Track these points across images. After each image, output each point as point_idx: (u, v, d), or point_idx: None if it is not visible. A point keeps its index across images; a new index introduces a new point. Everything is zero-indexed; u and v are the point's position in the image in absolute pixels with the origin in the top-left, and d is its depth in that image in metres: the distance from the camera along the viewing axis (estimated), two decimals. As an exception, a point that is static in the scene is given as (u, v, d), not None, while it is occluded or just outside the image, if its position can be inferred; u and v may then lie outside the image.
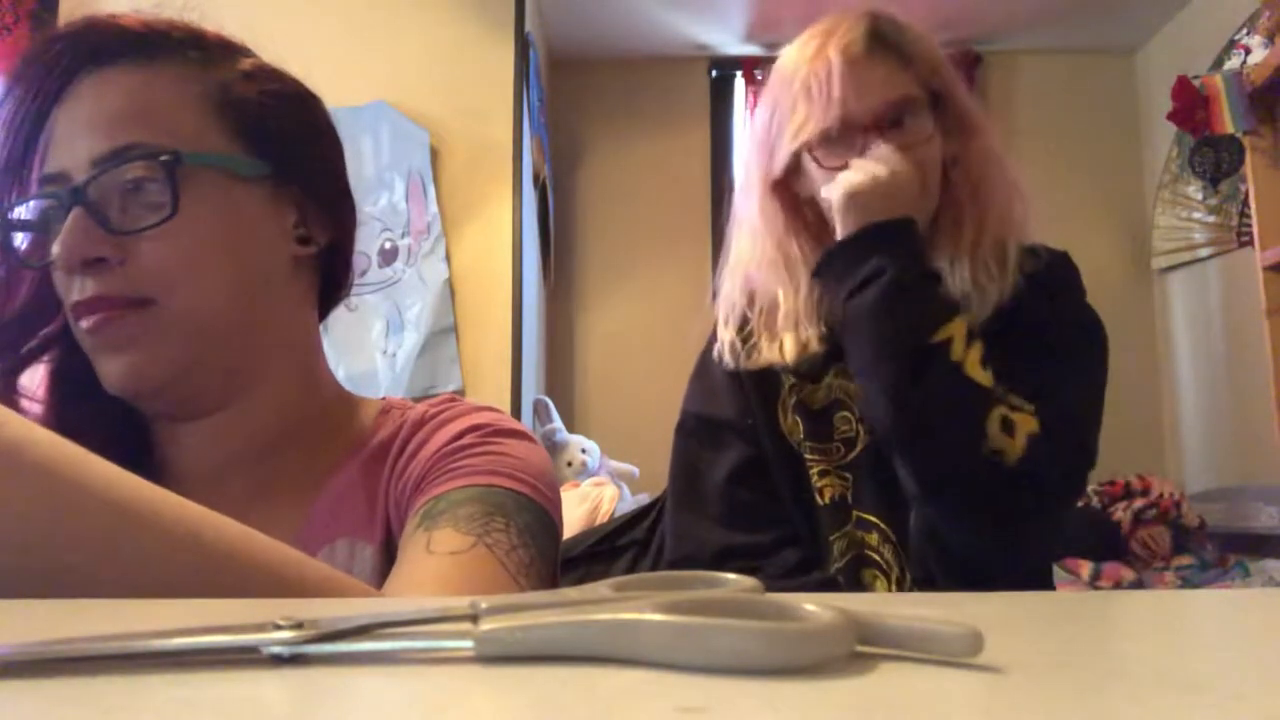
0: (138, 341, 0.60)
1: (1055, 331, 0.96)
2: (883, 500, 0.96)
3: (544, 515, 0.61)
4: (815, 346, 0.98)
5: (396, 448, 0.66)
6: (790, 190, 1.02)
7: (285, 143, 0.67)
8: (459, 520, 0.56)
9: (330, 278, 0.73)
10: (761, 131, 1.02)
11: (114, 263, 0.59)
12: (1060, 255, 1.04)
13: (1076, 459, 0.92)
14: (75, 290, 0.60)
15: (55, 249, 0.59)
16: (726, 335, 1.04)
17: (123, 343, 0.60)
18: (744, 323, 1.04)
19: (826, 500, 0.98)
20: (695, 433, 1.04)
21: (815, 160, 0.97)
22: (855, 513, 0.97)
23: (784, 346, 1.00)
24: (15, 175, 0.63)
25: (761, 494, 0.99)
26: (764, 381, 1.02)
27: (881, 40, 0.96)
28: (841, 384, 1.00)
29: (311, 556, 0.61)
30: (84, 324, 0.60)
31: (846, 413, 1.00)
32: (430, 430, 0.67)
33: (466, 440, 0.64)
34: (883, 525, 0.96)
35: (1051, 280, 0.98)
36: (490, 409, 0.70)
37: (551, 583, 0.61)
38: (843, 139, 0.95)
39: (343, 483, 0.66)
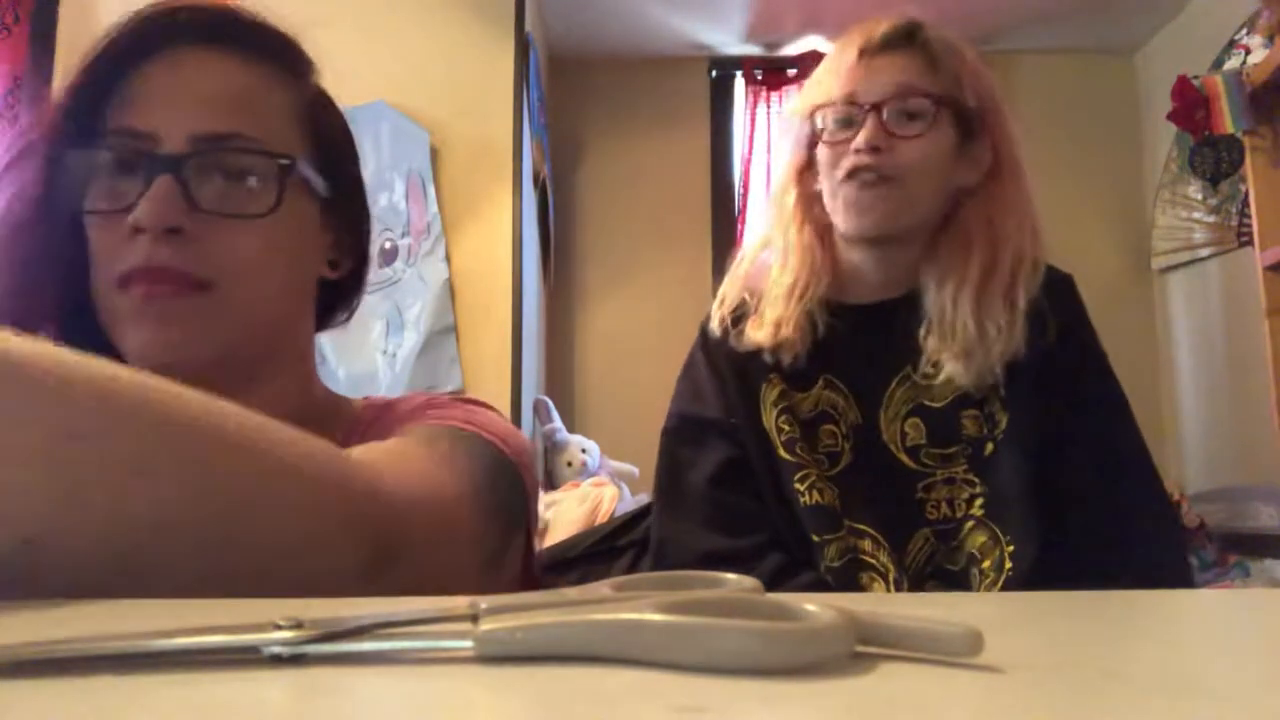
0: (188, 321, 0.61)
1: (1084, 390, 0.98)
2: (874, 513, 0.96)
3: (500, 457, 0.63)
4: (788, 332, 0.99)
5: (364, 425, 0.70)
6: (808, 182, 1.05)
7: (340, 171, 0.71)
8: (404, 434, 0.61)
9: (333, 302, 0.77)
10: (790, 119, 1.07)
11: (189, 238, 0.60)
12: (1064, 279, 1.03)
13: (1166, 504, 1.02)
14: (141, 254, 0.59)
15: (140, 208, 0.59)
16: (719, 312, 1.06)
17: (174, 319, 0.60)
18: (741, 303, 1.06)
19: (811, 502, 0.97)
20: (679, 433, 1.05)
21: (822, 133, 1.01)
22: (846, 521, 0.96)
23: (763, 323, 1.01)
24: (82, 119, 0.62)
25: (745, 496, 0.99)
26: (746, 375, 1.02)
27: (908, 36, 1.00)
28: (829, 396, 1.00)
29: None
30: (137, 289, 0.60)
31: (832, 426, 1.00)
32: (399, 402, 0.72)
33: (435, 402, 0.69)
34: (876, 534, 0.95)
35: (1056, 309, 0.98)
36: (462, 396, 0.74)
37: (503, 524, 0.61)
38: (846, 116, 0.99)
39: None
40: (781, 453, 0.98)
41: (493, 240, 2.51)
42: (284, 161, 0.63)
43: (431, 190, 2.47)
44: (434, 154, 2.49)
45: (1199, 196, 3.05)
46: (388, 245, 2.46)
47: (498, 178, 2.53)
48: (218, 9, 0.66)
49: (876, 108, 0.97)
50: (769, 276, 1.05)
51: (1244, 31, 2.74)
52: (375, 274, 2.46)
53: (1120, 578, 0.90)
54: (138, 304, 0.60)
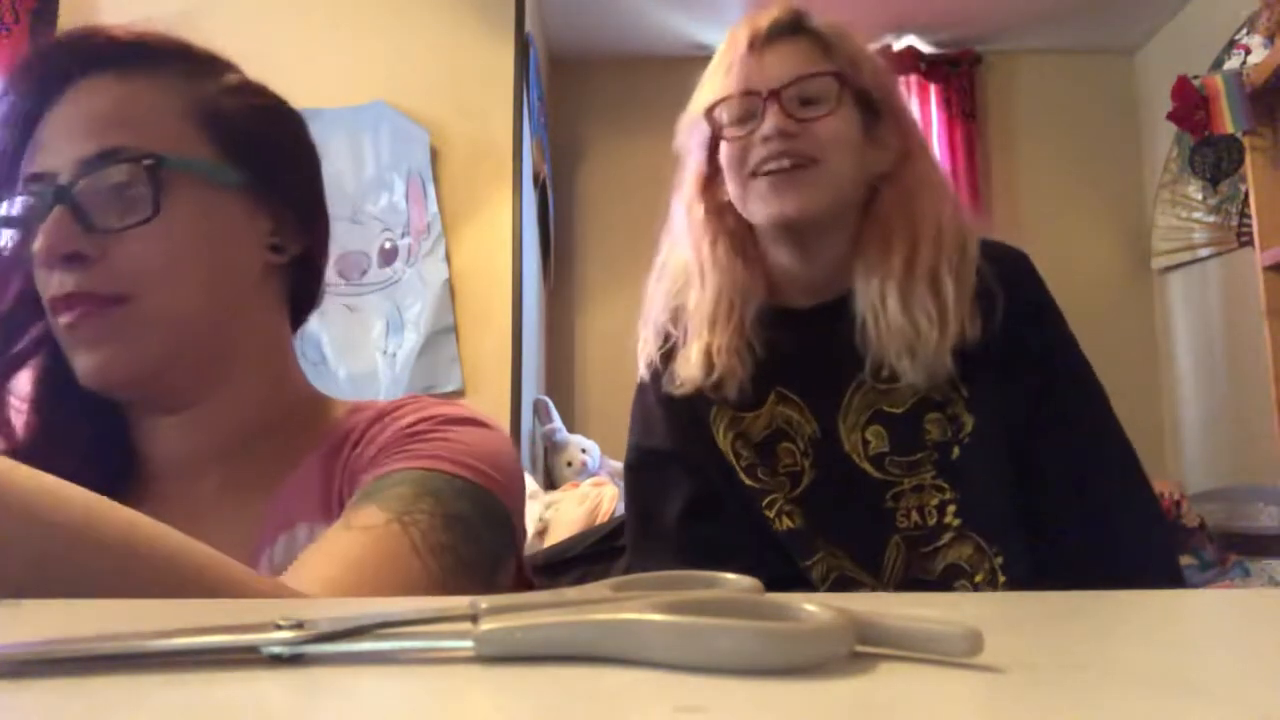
0: (113, 337, 0.62)
1: (1052, 373, 0.92)
2: (845, 530, 0.92)
3: (485, 499, 0.62)
4: (724, 360, 0.93)
5: (354, 437, 0.69)
6: (714, 192, 0.99)
7: (264, 155, 0.70)
8: (387, 500, 0.58)
9: (302, 288, 0.76)
10: (687, 124, 1.02)
11: (92, 259, 0.61)
12: (1016, 257, 0.97)
13: (1150, 496, 0.96)
14: (54, 285, 0.62)
15: (36, 244, 0.61)
16: (646, 353, 0.99)
17: (98, 338, 0.62)
18: (666, 338, 0.99)
19: (783, 528, 0.92)
20: (641, 468, 1.00)
21: (720, 131, 0.96)
22: (821, 541, 0.92)
23: (691, 357, 0.94)
24: (4, 177, 0.65)
25: (718, 527, 0.94)
26: (693, 404, 0.96)
27: (797, 25, 0.96)
28: (783, 411, 0.95)
29: (273, 541, 0.64)
30: (62, 319, 0.62)
31: (789, 444, 0.94)
32: (388, 421, 0.69)
33: (420, 428, 0.66)
34: (850, 551, 0.92)
35: (1011, 290, 0.92)
36: (452, 404, 0.71)
37: (486, 571, 0.61)
38: (746, 110, 0.94)
39: (304, 473, 0.68)
40: (744, 479, 0.94)
41: (493, 240, 2.51)
42: (148, 162, 0.63)
43: (431, 190, 2.47)
44: (434, 154, 2.49)
45: (1199, 196, 3.05)
46: (388, 245, 2.46)
47: (498, 178, 2.53)
48: (97, 37, 0.66)
49: (776, 94, 0.92)
50: (690, 303, 0.98)
51: (1244, 31, 2.74)
52: (375, 274, 2.47)
53: (1109, 573, 0.87)
54: (64, 333, 0.63)
